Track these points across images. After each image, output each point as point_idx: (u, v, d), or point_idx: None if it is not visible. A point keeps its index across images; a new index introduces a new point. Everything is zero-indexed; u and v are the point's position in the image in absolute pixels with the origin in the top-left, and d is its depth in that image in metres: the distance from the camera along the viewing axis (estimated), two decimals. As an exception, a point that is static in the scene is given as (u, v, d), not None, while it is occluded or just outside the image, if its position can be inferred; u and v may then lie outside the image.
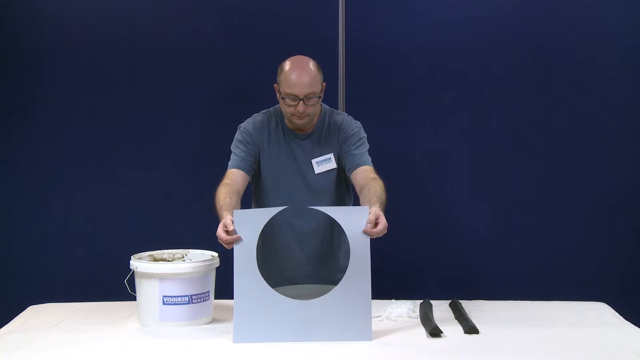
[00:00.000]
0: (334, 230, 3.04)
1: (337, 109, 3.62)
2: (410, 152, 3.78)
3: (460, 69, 3.74)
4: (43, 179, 3.80)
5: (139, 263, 2.68)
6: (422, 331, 2.59)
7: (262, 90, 3.65)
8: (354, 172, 2.92)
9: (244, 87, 3.76)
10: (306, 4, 3.75)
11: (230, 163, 2.98)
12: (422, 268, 3.77)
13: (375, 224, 2.52)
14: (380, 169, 2.93)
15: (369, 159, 2.96)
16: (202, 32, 3.77)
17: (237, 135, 3.02)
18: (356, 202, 3.11)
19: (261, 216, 2.55)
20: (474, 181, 3.78)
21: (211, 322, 2.73)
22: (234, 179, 2.90)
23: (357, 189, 2.90)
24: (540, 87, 3.74)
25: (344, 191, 3.07)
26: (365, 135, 3.02)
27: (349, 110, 3.67)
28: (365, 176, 2.87)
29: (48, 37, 3.75)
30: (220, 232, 2.54)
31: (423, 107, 3.77)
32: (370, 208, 2.57)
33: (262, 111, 3.07)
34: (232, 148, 3.01)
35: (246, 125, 3.03)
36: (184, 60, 3.77)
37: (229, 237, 2.51)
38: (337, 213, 2.57)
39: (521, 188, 3.77)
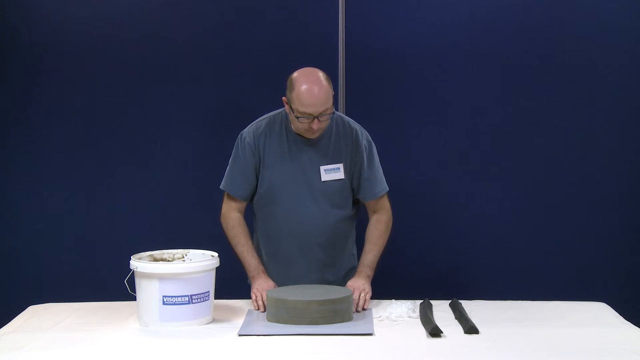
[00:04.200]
0: (336, 239, 3.04)
1: (337, 110, 3.62)
2: (410, 152, 3.78)
3: (460, 69, 3.74)
4: (43, 178, 3.79)
5: (139, 263, 2.68)
6: (422, 331, 2.59)
7: (263, 91, 3.66)
8: (369, 202, 3.02)
9: (244, 88, 3.76)
10: (306, 4, 3.74)
11: (230, 183, 2.99)
12: (422, 268, 3.76)
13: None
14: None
15: (384, 181, 3.03)
16: (202, 32, 3.76)
17: (237, 148, 2.99)
18: (359, 211, 3.13)
19: None
20: (474, 181, 3.77)
21: (211, 322, 2.73)
22: (237, 207, 3.01)
23: (370, 211, 3.06)
24: (541, 87, 3.73)
25: (348, 200, 3.04)
26: (374, 145, 3.03)
27: (348, 111, 3.67)
28: (380, 211, 3.01)
29: (48, 37, 3.74)
30: (258, 294, 2.85)
31: (423, 107, 3.77)
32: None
33: (266, 115, 3.03)
34: (232, 161, 3.00)
35: (246, 134, 2.99)
36: (184, 60, 3.76)
37: (260, 305, 2.82)
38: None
39: (521, 188, 3.76)
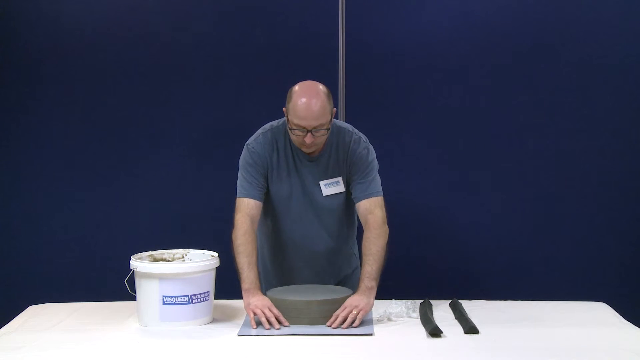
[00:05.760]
0: (340, 249, 3.04)
1: (338, 111, 3.61)
2: (410, 152, 3.78)
3: (460, 69, 3.74)
4: (43, 179, 3.80)
5: (139, 263, 2.68)
6: (422, 331, 2.59)
7: (262, 92, 3.66)
8: (357, 204, 2.90)
9: (244, 89, 3.76)
10: (306, 4, 3.74)
11: (241, 189, 2.89)
12: (422, 268, 3.77)
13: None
14: (380, 170, 2.93)
15: (377, 185, 2.91)
16: (203, 30, 3.76)
17: (246, 157, 2.92)
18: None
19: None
20: (474, 181, 3.77)
21: (211, 322, 2.73)
22: (251, 213, 2.86)
23: (362, 222, 2.90)
24: (540, 87, 3.73)
25: (352, 214, 3.02)
26: (374, 155, 2.94)
27: (348, 112, 3.67)
28: (369, 219, 2.85)
29: (49, 38, 3.75)
30: (267, 312, 2.64)
31: (423, 107, 3.77)
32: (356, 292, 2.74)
33: (270, 125, 2.95)
34: (241, 170, 2.92)
35: (254, 145, 2.92)
36: (185, 60, 3.77)
37: (264, 322, 2.62)
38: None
39: (521, 188, 3.77)
